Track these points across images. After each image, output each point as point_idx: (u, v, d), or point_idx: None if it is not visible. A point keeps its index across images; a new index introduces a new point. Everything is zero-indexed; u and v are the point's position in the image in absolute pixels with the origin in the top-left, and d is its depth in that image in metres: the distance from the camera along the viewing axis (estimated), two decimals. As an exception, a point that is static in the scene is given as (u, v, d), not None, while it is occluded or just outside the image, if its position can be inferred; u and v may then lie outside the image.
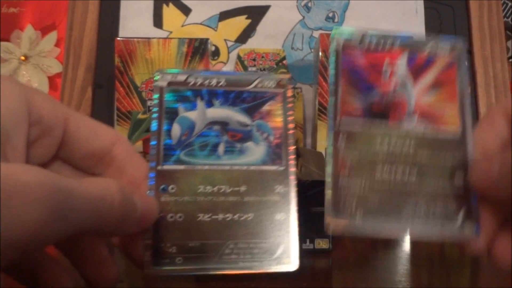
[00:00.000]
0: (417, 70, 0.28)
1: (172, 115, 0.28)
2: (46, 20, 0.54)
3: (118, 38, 0.44)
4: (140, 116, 0.44)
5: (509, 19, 0.56)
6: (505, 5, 0.55)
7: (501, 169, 0.23)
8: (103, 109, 0.49)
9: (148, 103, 0.45)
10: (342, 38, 0.28)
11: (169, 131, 0.28)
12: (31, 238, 0.17)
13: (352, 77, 0.28)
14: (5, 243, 0.16)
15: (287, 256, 0.27)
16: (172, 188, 0.27)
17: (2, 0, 0.54)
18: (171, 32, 0.51)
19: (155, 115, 0.28)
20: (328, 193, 0.26)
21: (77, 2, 0.51)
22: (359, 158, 0.26)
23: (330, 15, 0.52)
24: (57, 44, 0.54)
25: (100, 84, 0.50)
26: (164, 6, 0.52)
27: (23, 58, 0.53)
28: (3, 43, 0.53)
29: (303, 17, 0.52)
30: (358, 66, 0.28)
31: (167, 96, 0.28)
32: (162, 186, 0.27)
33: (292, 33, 0.51)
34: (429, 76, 0.28)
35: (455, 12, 0.52)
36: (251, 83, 0.29)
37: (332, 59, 0.28)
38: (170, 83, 0.29)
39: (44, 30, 0.54)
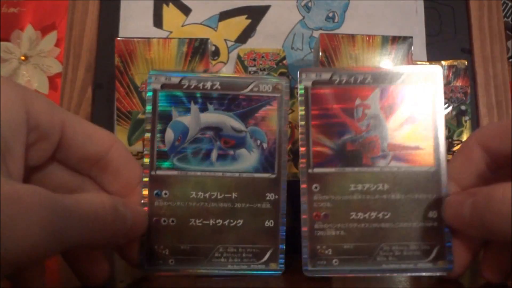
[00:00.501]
0: (390, 105, 0.27)
1: (165, 119, 0.28)
2: (46, 20, 0.54)
3: (118, 38, 0.44)
4: (140, 116, 0.44)
5: (509, 19, 0.56)
6: (505, 5, 0.55)
7: (473, 211, 0.23)
8: (103, 109, 0.49)
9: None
10: (311, 79, 0.28)
11: (162, 136, 0.28)
12: (29, 256, 0.18)
13: (323, 121, 0.27)
14: (5, 262, 0.17)
15: (274, 261, 0.27)
16: (165, 193, 0.28)
17: (2, 0, 0.54)
18: (171, 32, 0.51)
19: (148, 118, 0.28)
20: (305, 242, 0.27)
21: (77, 2, 0.51)
22: (333, 205, 0.27)
23: (330, 15, 0.52)
24: (57, 44, 0.53)
25: (100, 84, 0.50)
26: (164, 6, 0.52)
27: (23, 58, 0.53)
28: (3, 43, 0.53)
29: (303, 17, 0.52)
30: (329, 107, 0.28)
31: (161, 99, 0.28)
32: (155, 191, 0.28)
33: (292, 33, 0.51)
34: (402, 110, 0.27)
35: (455, 12, 0.52)
36: (247, 87, 0.29)
37: (300, 100, 0.28)
38: (163, 85, 0.28)
39: (44, 30, 0.54)
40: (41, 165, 0.25)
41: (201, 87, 0.28)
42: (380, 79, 0.28)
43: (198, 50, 0.44)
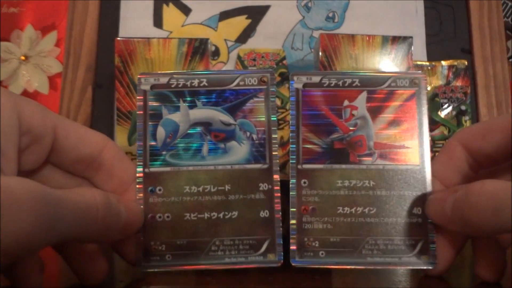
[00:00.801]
0: (376, 107, 0.29)
1: (156, 118, 0.29)
2: (46, 20, 0.54)
3: (118, 38, 0.44)
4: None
5: (509, 19, 0.56)
6: (505, 5, 0.55)
7: (454, 207, 0.24)
8: (103, 109, 0.49)
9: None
10: (302, 81, 0.29)
11: (154, 134, 0.29)
12: (21, 247, 0.18)
13: (312, 120, 0.29)
14: None
15: (271, 252, 0.27)
16: (160, 190, 0.28)
17: (2, 0, 0.54)
18: (171, 32, 0.51)
19: (140, 118, 0.29)
20: (293, 234, 0.27)
21: (77, 2, 0.51)
22: (320, 199, 0.28)
23: (330, 15, 0.52)
24: (57, 44, 0.53)
25: (100, 84, 0.50)
26: (164, 6, 0.52)
27: (23, 58, 0.53)
28: (3, 43, 0.53)
29: (303, 17, 0.52)
30: (318, 108, 0.29)
31: (151, 99, 0.29)
32: (150, 188, 0.28)
33: (292, 33, 0.51)
34: (388, 112, 0.29)
35: (455, 12, 0.52)
36: (233, 82, 0.29)
37: (292, 100, 0.29)
38: (153, 86, 0.29)
39: (44, 30, 0.54)
40: (36, 169, 0.25)
41: (189, 85, 0.29)
42: (367, 83, 0.29)
43: (198, 50, 0.44)
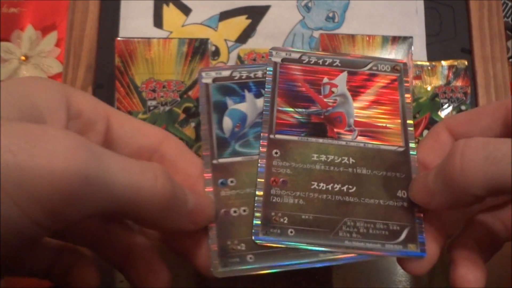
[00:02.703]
0: (357, 86, 0.28)
1: (221, 109, 0.27)
2: (46, 20, 0.54)
3: (118, 38, 0.44)
4: (140, 116, 0.44)
5: (509, 19, 0.56)
6: (505, 5, 0.55)
7: (436, 176, 0.22)
8: (103, 109, 0.49)
9: (149, 103, 0.45)
10: (281, 56, 0.28)
11: (220, 125, 0.27)
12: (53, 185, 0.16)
13: (289, 93, 0.27)
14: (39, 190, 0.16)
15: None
16: (232, 181, 0.26)
17: (2, 0, 0.54)
18: (171, 32, 0.51)
19: (204, 111, 0.27)
20: (258, 207, 0.25)
21: (77, 2, 0.51)
22: (293, 172, 0.25)
23: (330, 15, 0.52)
24: (57, 44, 0.54)
25: (100, 84, 0.50)
26: (164, 6, 0.52)
27: (23, 58, 0.53)
28: (3, 43, 0.53)
29: (303, 17, 0.52)
30: (296, 82, 0.28)
31: (214, 92, 0.28)
32: (220, 181, 0.26)
33: (292, 33, 0.51)
34: (369, 93, 0.28)
35: (455, 12, 0.52)
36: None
37: (269, 71, 0.28)
38: (215, 79, 0.28)
39: (45, 30, 0.54)
40: None
41: (253, 76, 0.28)
42: (348, 64, 0.28)
43: (198, 50, 0.44)
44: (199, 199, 0.23)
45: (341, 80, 0.28)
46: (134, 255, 0.24)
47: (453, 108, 0.48)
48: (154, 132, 0.25)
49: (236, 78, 0.28)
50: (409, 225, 0.25)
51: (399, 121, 0.27)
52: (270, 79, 0.28)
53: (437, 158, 0.25)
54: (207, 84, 0.28)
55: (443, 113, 0.48)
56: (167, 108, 0.45)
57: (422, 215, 0.25)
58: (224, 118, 0.27)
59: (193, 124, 0.45)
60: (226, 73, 0.28)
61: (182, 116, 0.45)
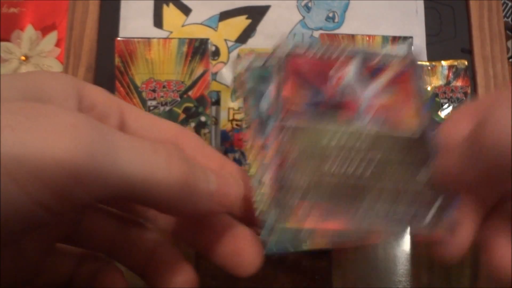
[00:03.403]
0: (367, 75, 0.27)
1: (256, 95, 0.26)
2: (46, 20, 0.54)
3: (118, 38, 0.44)
4: (140, 116, 0.44)
5: (509, 19, 0.56)
6: (505, 5, 0.55)
7: (466, 148, 0.21)
8: (103, 109, 0.49)
9: (149, 103, 0.45)
10: (288, 47, 0.27)
11: (257, 109, 0.26)
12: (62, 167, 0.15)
13: (296, 83, 0.27)
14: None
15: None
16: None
17: (2, 0, 0.54)
18: (171, 32, 0.51)
19: (243, 97, 0.26)
20: (266, 184, 0.23)
21: (77, 2, 0.51)
22: (304, 152, 0.24)
23: (330, 15, 0.52)
24: (57, 44, 0.54)
25: (100, 84, 0.49)
26: (164, 6, 0.52)
27: (23, 58, 0.53)
28: (3, 43, 0.53)
29: (303, 17, 0.52)
30: (303, 73, 0.27)
31: (248, 80, 0.26)
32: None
33: (292, 33, 0.51)
34: (380, 81, 0.27)
35: (455, 12, 0.52)
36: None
37: (273, 67, 0.27)
38: (248, 68, 0.27)
39: (45, 30, 0.54)
40: None
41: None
42: (357, 55, 0.27)
43: (198, 50, 0.44)
44: (223, 178, 0.21)
45: (351, 69, 0.27)
46: (156, 258, 0.23)
47: (453, 108, 0.48)
48: (169, 126, 0.24)
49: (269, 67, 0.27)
50: (435, 205, 0.24)
51: (414, 107, 0.27)
52: (276, 72, 0.27)
53: (460, 136, 0.23)
54: (240, 73, 0.26)
55: (443, 113, 0.48)
56: (167, 108, 0.45)
57: (447, 197, 0.24)
58: (261, 102, 0.26)
59: (193, 124, 0.45)
60: (259, 63, 0.27)
61: (182, 116, 0.45)
